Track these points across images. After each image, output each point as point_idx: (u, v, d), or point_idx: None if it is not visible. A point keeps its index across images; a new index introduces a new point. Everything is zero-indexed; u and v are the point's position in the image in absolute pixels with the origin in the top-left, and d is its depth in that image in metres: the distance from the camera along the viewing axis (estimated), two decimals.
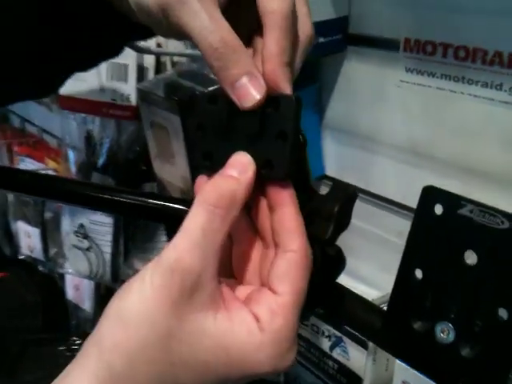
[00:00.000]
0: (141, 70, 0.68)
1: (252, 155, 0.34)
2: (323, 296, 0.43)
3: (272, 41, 0.33)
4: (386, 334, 0.33)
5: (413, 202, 0.63)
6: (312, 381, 0.71)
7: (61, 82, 0.50)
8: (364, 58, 0.63)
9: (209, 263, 0.32)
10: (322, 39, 0.60)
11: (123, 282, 0.81)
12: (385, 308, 0.56)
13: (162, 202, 0.48)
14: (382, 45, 0.60)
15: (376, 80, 0.62)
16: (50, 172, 1.31)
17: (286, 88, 0.33)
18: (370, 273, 0.73)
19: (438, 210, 0.29)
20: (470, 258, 0.27)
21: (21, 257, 1.61)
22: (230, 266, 0.38)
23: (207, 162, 0.36)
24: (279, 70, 0.33)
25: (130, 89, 0.68)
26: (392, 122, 0.62)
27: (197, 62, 0.65)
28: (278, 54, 0.33)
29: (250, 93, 0.33)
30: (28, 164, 1.46)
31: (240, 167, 0.34)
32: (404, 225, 0.65)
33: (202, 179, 0.37)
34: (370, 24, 0.61)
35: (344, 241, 0.73)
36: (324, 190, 0.75)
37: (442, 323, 0.28)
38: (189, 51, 0.62)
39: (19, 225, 1.53)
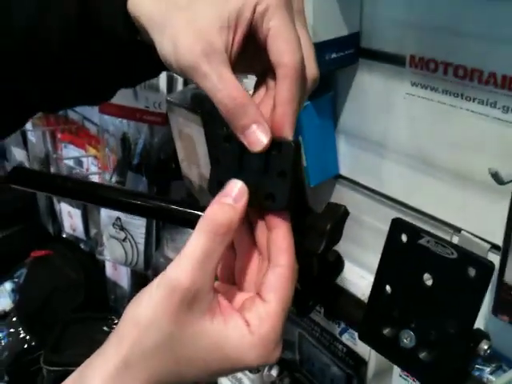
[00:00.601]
0: (170, 81, 0.75)
1: (257, 188, 0.41)
2: (322, 295, 0.50)
3: (283, 91, 0.39)
4: (364, 334, 0.40)
5: (417, 203, 0.69)
6: (324, 361, 0.78)
7: (112, 93, 0.54)
8: (374, 70, 0.67)
9: (206, 280, 0.38)
10: (334, 55, 0.65)
11: (155, 269, 0.89)
12: None
13: (188, 210, 0.55)
14: (390, 60, 0.65)
15: (385, 91, 0.67)
16: (90, 158, 1.40)
17: (289, 133, 0.39)
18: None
19: (404, 238, 0.35)
20: (428, 279, 0.33)
21: (64, 236, 1.72)
22: (232, 274, 0.45)
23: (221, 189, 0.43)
24: (287, 117, 0.39)
25: (160, 97, 0.75)
26: (399, 130, 0.67)
27: None
28: (288, 102, 0.39)
29: (259, 139, 0.39)
30: (70, 150, 1.55)
31: (235, 195, 0.40)
32: None
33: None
34: (379, 40, 0.65)
35: (357, 235, 0.80)
36: (338, 188, 0.80)
37: (405, 331, 0.34)
38: None
39: (62, 206, 1.63)
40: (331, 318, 0.50)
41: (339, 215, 0.44)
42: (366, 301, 0.60)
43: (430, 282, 0.33)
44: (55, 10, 0.45)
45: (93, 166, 1.38)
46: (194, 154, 0.69)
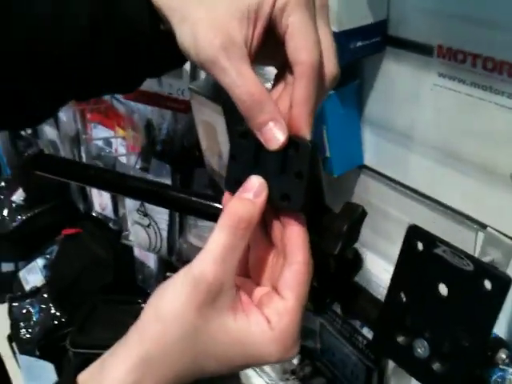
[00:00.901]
0: (194, 68, 0.74)
1: (273, 187, 0.40)
2: (339, 293, 0.49)
3: (300, 89, 0.38)
4: (377, 340, 0.39)
5: (442, 197, 0.67)
6: (345, 352, 0.78)
7: (138, 83, 0.52)
8: (401, 59, 0.65)
9: (229, 275, 0.39)
10: (360, 43, 0.64)
11: (178, 254, 0.90)
12: None
13: (211, 203, 0.54)
14: (418, 49, 0.63)
15: (411, 81, 0.65)
16: (119, 140, 1.41)
17: (306, 133, 0.39)
18: None
19: (420, 246, 0.34)
20: (443, 289, 0.32)
21: (94, 214, 1.75)
22: (246, 267, 0.45)
23: (238, 187, 0.42)
24: (303, 117, 0.39)
25: (184, 84, 0.74)
26: (425, 122, 0.66)
27: None
28: (304, 102, 0.39)
29: (275, 136, 0.38)
30: (99, 130, 1.57)
31: (255, 190, 0.40)
32: (433, 217, 0.69)
33: (228, 195, 0.44)
34: (407, 28, 0.63)
35: (381, 226, 0.79)
36: (363, 178, 0.79)
37: (419, 340, 0.34)
38: None
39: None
40: (348, 315, 0.50)
41: (357, 216, 0.43)
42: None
43: (445, 292, 0.32)
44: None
45: (121, 147, 1.39)
46: (215, 143, 0.69)
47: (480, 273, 0.30)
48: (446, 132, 0.64)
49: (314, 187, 0.42)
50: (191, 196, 0.55)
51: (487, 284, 0.30)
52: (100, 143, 1.55)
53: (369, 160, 0.77)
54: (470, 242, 0.66)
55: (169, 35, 0.43)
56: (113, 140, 1.46)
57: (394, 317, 0.36)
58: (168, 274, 1.12)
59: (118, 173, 0.59)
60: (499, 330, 0.42)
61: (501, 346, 0.36)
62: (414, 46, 0.63)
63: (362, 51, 0.65)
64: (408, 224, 0.74)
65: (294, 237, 0.40)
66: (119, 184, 0.59)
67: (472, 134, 0.61)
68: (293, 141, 0.39)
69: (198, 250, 0.92)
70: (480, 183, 0.62)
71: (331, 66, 0.41)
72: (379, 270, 0.78)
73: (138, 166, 0.84)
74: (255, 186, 0.40)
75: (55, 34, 0.46)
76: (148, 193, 0.57)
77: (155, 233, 0.85)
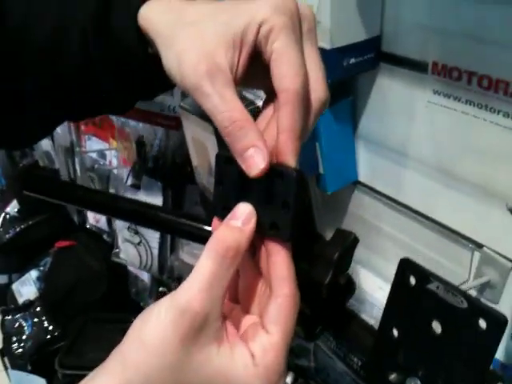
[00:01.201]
0: None
1: (261, 215, 0.39)
2: (331, 320, 0.48)
3: (285, 116, 0.38)
4: (369, 377, 0.38)
5: (437, 215, 0.66)
6: (339, 371, 0.76)
7: (129, 106, 0.53)
8: (395, 75, 0.64)
9: (215, 305, 0.37)
10: (353, 60, 0.62)
11: (170, 272, 0.88)
12: None
13: (202, 226, 0.53)
14: (412, 65, 0.62)
15: (406, 98, 0.64)
16: (113, 151, 1.40)
17: (291, 160, 0.38)
18: None
19: (412, 280, 0.33)
20: (436, 326, 0.31)
21: (88, 226, 1.73)
22: (236, 292, 0.44)
23: (226, 213, 0.41)
24: (288, 144, 0.38)
25: (175, 102, 0.73)
26: (420, 139, 0.64)
27: None
28: (289, 129, 0.38)
29: (256, 163, 0.37)
30: (93, 143, 1.55)
31: (243, 218, 0.39)
32: (428, 235, 0.68)
33: (216, 221, 0.42)
34: (401, 44, 0.62)
35: (375, 243, 0.78)
36: (357, 195, 0.78)
37: (412, 378, 0.32)
38: None
39: None
40: (340, 342, 0.48)
41: (348, 243, 0.42)
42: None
43: (438, 330, 0.31)
44: (73, 23, 0.46)
45: (115, 160, 1.38)
46: (206, 160, 0.67)
47: (475, 311, 0.29)
48: (441, 150, 0.62)
49: (303, 215, 0.40)
50: (182, 218, 0.54)
51: (482, 323, 0.29)
52: (94, 155, 1.54)
53: (363, 176, 0.75)
54: (465, 262, 0.65)
55: (156, 58, 0.43)
56: (107, 152, 1.45)
57: (386, 353, 0.34)
58: (161, 289, 1.10)
59: (108, 194, 0.58)
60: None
61: (497, 381, 0.34)
62: (408, 62, 0.62)
63: (355, 68, 0.63)
64: (403, 241, 0.73)
65: (278, 267, 0.39)
66: (108, 206, 0.57)
67: (467, 152, 0.59)
68: (278, 169, 0.38)
69: (190, 267, 0.90)
70: (476, 202, 0.61)
71: (319, 91, 0.40)
72: (373, 288, 0.77)
73: (128, 183, 0.82)
74: (244, 214, 0.39)
75: (52, 55, 0.47)
76: (138, 215, 0.56)
77: (146, 251, 0.83)
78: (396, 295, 0.34)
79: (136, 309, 1.30)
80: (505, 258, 0.60)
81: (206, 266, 0.37)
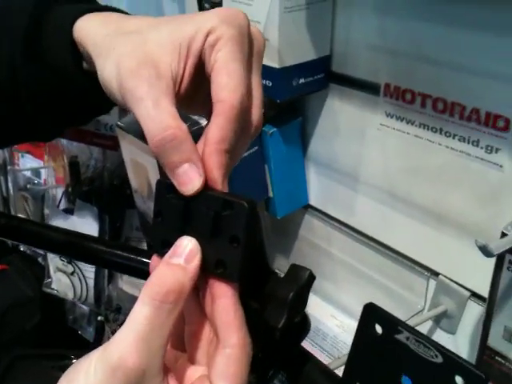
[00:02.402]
0: None
1: (206, 252, 0.34)
2: (285, 362, 0.44)
3: (214, 128, 0.33)
4: None
5: (391, 241, 0.64)
6: None
7: (58, 133, 0.49)
8: (346, 97, 0.62)
9: (154, 359, 0.32)
10: (302, 80, 0.59)
11: (107, 303, 0.81)
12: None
13: (140, 258, 0.48)
14: (364, 87, 0.59)
15: (357, 120, 0.61)
16: (48, 170, 1.32)
17: (217, 175, 0.33)
18: (349, 302, 0.73)
19: (379, 329, 0.29)
20: (407, 382, 0.27)
21: (21, 249, 1.62)
22: (181, 340, 0.39)
23: (166, 249, 0.36)
24: (214, 157, 0.33)
25: (112, 120, 0.68)
26: (371, 163, 0.62)
27: None
28: (217, 141, 0.33)
29: (191, 179, 0.33)
30: (27, 160, 1.46)
31: (186, 254, 0.34)
32: (381, 261, 0.66)
33: (156, 259, 0.37)
34: (352, 65, 0.60)
35: (327, 269, 0.74)
36: (308, 219, 0.75)
37: None
38: None
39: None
40: None
41: (303, 281, 0.38)
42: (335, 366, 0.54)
43: None
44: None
45: (51, 178, 1.30)
46: (146, 184, 0.62)
47: (451, 367, 0.25)
48: (393, 174, 0.60)
49: (254, 251, 0.36)
50: (120, 250, 0.49)
51: (458, 380, 0.25)
52: (28, 173, 1.45)
53: (314, 200, 0.72)
54: (420, 290, 0.63)
55: (91, 76, 0.39)
56: (42, 170, 1.36)
57: None
58: (100, 318, 1.03)
59: (34, 222, 0.52)
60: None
61: None
62: (360, 83, 0.59)
63: (304, 88, 0.60)
64: (355, 268, 0.71)
65: (224, 313, 0.34)
66: (35, 236, 0.51)
67: (420, 177, 0.57)
68: (226, 199, 0.34)
69: (130, 297, 0.84)
70: (430, 228, 0.58)
71: (255, 117, 0.36)
72: (326, 316, 0.73)
73: (61, 207, 0.76)
74: (187, 249, 0.34)
75: None
76: (68, 246, 0.50)
77: (80, 281, 0.77)
78: (360, 345, 0.30)
79: (74, 337, 1.22)
80: (462, 286, 0.58)
81: (142, 314, 0.32)
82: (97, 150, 0.73)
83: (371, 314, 0.29)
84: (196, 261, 0.34)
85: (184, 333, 0.39)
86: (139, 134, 0.60)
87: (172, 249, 0.35)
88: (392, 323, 0.28)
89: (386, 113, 0.57)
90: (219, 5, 0.63)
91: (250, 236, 0.34)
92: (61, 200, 0.78)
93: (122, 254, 0.49)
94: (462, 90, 0.50)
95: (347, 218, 0.68)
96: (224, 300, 0.34)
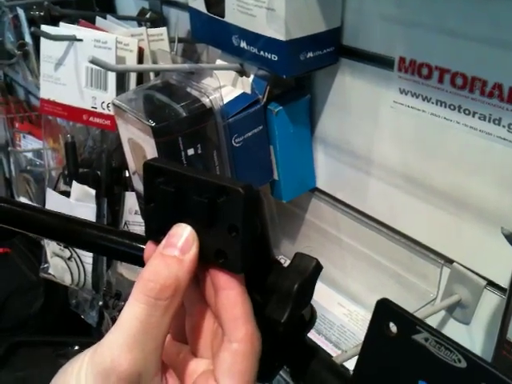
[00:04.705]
0: (121, 77, 0.64)
1: (204, 241, 0.31)
2: (289, 355, 0.41)
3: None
4: None
5: (403, 226, 0.60)
6: None
7: None
8: (357, 72, 0.58)
9: (150, 360, 0.29)
10: (311, 54, 0.55)
11: (106, 289, 0.78)
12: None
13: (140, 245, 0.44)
14: (376, 61, 0.55)
15: (369, 97, 0.57)
16: (49, 151, 1.29)
17: None
18: (357, 290, 0.70)
19: (393, 328, 0.26)
20: None
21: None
22: (183, 331, 0.36)
23: (161, 236, 0.33)
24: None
25: (110, 97, 0.64)
26: (384, 143, 0.58)
27: (179, 74, 0.60)
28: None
29: None
30: (29, 141, 1.44)
31: (182, 244, 0.31)
32: (392, 248, 0.62)
33: (150, 248, 0.34)
34: (364, 38, 0.56)
35: (335, 256, 0.71)
36: (315, 203, 0.71)
37: None
38: (166, 66, 0.58)
39: (22, 200, 1.52)
40: (300, 383, 0.41)
41: (309, 272, 0.35)
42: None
43: None
44: None
45: (51, 159, 1.28)
46: None
47: (476, 373, 0.22)
48: (408, 155, 0.56)
49: (256, 240, 0.33)
50: (116, 236, 0.46)
51: None
52: (30, 155, 1.42)
53: (322, 183, 0.69)
54: (433, 278, 0.59)
55: None
56: (44, 152, 1.34)
57: None
58: (101, 302, 1.01)
59: (28, 206, 0.49)
60: None
61: None
62: (372, 57, 0.55)
63: (313, 63, 0.56)
64: (365, 254, 0.67)
65: (230, 306, 0.31)
66: (27, 221, 0.48)
67: (437, 158, 0.53)
68: (221, 185, 0.30)
69: (130, 283, 0.81)
70: (446, 213, 0.55)
71: None
72: (333, 304, 0.70)
73: (58, 190, 0.72)
74: (182, 239, 0.31)
75: None
76: (63, 232, 0.47)
77: (78, 266, 0.74)
78: (371, 346, 0.27)
79: (77, 321, 1.20)
80: (478, 275, 0.54)
81: (135, 313, 0.29)
82: (94, 131, 0.70)
83: (385, 311, 0.26)
84: (193, 251, 0.31)
85: (186, 324, 0.36)
86: (138, 111, 0.56)
87: (166, 238, 0.31)
88: (409, 322, 0.25)
89: (400, 89, 0.53)
90: None
91: (249, 225, 0.31)
92: (57, 182, 0.75)
93: (119, 240, 0.46)
94: (484, 63, 0.46)
95: (357, 202, 0.65)
96: (228, 292, 0.31)
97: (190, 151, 0.57)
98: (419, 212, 0.57)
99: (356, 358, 0.31)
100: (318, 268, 0.36)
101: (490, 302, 0.54)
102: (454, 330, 0.59)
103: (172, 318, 0.30)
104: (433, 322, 0.60)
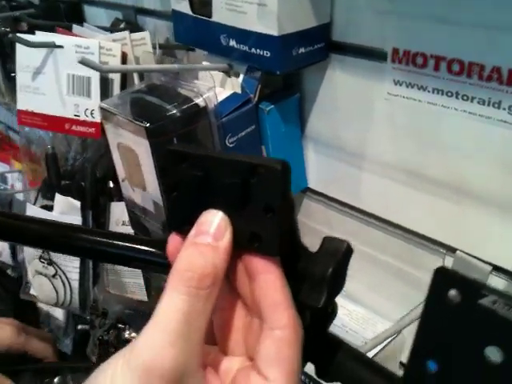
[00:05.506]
0: (105, 83, 0.62)
1: (236, 225, 0.30)
2: (313, 350, 0.39)
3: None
4: None
5: (401, 220, 0.60)
6: None
7: None
8: (348, 67, 0.58)
9: (192, 355, 0.27)
10: (302, 50, 0.55)
11: (92, 307, 0.75)
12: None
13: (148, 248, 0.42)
14: (368, 54, 0.55)
15: (361, 91, 0.57)
16: (16, 174, 1.25)
17: None
18: (356, 289, 0.69)
19: (453, 297, 0.25)
20: (494, 354, 0.23)
21: None
22: (211, 331, 0.34)
23: (187, 226, 0.31)
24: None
25: (94, 104, 0.62)
26: (379, 137, 0.58)
27: (166, 76, 0.59)
28: None
29: None
30: None
31: (214, 231, 0.30)
32: (390, 242, 0.62)
33: (174, 240, 0.32)
34: (354, 32, 0.56)
35: None
36: (307, 203, 0.70)
37: None
38: (156, 66, 0.57)
39: None
40: (326, 378, 0.40)
41: (341, 255, 0.34)
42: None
43: (497, 358, 0.23)
44: None
45: (18, 183, 1.23)
46: (137, 171, 0.57)
47: None
48: (404, 147, 0.56)
49: (288, 222, 0.32)
50: (116, 240, 0.43)
51: None
52: None
53: (313, 183, 0.68)
54: None
55: None
56: (8, 175, 1.29)
57: None
58: (80, 326, 0.96)
59: (12, 215, 0.46)
60: None
61: None
62: (364, 51, 0.56)
63: (305, 59, 0.56)
64: (362, 251, 0.67)
65: (270, 291, 0.30)
66: (14, 230, 0.45)
67: (435, 147, 0.54)
68: (255, 164, 0.29)
69: (118, 299, 0.78)
70: (446, 202, 0.55)
71: None
72: None
73: (38, 205, 0.69)
74: (213, 226, 0.30)
75: None
76: (56, 239, 0.44)
77: (64, 284, 0.70)
78: (431, 317, 0.26)
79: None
80: (483, 261, 0.54)
81: (176, 305, 0.27)
82: (76, 141, 0.67)
83: (444, 279, 0.25)
84: (226, 237, 0.29)
85: (213, 322, 0.34)
86: (128, 112, 0.54)
87: (195, 227, 0.30)
88: (473, 287, 0.24)
89: (395, 81, 0.54)
90: None
91: (286, 202, 0.30)
92: (37, 197, 0.72)
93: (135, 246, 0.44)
94: (481, 48, 0.47)
95: (351, 198, 0.64)
96: (267, 276, 0.30)
97: None
98: (417, 203, 0.57)
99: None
100: (350, 250, 0.35)
101: (499, 286, 0.54)
102: None
103: (212, 309, 0.29)
104: None
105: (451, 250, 0.57)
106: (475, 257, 0.55)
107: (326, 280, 0.33)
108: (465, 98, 0.49)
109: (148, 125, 0.52)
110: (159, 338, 0.26)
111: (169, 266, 0.30)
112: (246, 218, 0.30)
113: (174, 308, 0.27)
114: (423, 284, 0.60)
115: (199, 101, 0.55)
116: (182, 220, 0.32)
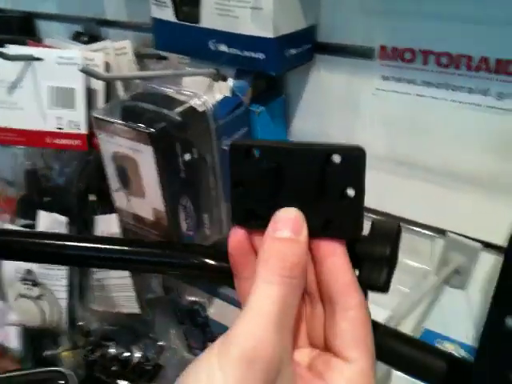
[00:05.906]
0: (89, 94, 0.61)
1: (306, 214, 0.31)
2: None
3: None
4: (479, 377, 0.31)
5: (392, 208, 0.63)
6: None
7: None
8: (334, 66, 0.60)
9: (287, 344, 0.28)
10: (294, 51, 0.57)
11: (80, 326, 0.72)
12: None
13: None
14: (354, 53, 0.58)
15: (348, 88, 0.60)
16: None
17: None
18: None
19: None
20: None
21: None
22: None
23: (252, 220, 0.32)
24: None
25: (79, 115, 0.60)
26: (368, 132, 0.61)
27: (152, 82, 0.59)
28: None
29: None
30: None
31: (292, 226, 0.30)
32: None
33: (237, 233, 0.33)
34: (340, 32, 0.58)
35: None
36: None
37: None
38: (142, 73, 0.56)
39: None
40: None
41: (395, 235, 0.35)
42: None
43: None
44: None
45: None
46: (137, 179, 0.56)
47: None
48: (394, 139, 0.59)
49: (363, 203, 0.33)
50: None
51: None
52: None
53: None
54: (426, 252, 0.62)
55: None
56: None
57: (499, 351, 0.28)
58: (46, 353, 0.91)
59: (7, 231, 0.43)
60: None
61: None
62: (350, 50, 0.58)
63: (294, 60, 0.58)
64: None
65: (340, 272, 0.31)
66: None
67: (426, 137, 0.57)
68: (332, 150, 0.30)
69: (101, 316, 0.75)
70: (436, 186, 0.58)
71: None
72: None
73: (19, 224, 0.65)
74: (290, 222, 0.30)
75: None
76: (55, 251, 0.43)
77: (50, 304, 0.67)
78: (489, 344, 0.28)
79: None
80: (472, 239, 0.58)
81: (272, 294, 0.28)
82: (57, 155, 0.65)
83: (502, 304, 0.27)
84: (304, 231, 0.31)
85: None
86: (126, 120, 0.54)
87: (273, 223, 0.31)
88: None
89: (383, 76, 0.57)
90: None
91: (364, 186, 0.31)
92: (15, 217, 0.68)
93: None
94: (468, 41, 0.51)
95: None
96: (335, 258, 0.31)
97: (187, 156, 0.55)
98: (405, 190, 0.60)
99: None
100: (400, 230, 0.37)
101: (485, 264, 0.59)
102: (449, 296, 0.63)
103: (300, 298, 0.30)
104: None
105: (440, 232, 0.60)
106: (466, 236, 0.59)
107: (385, 260, 0.34)
108: (453, 88, 0.53)
109: (151, 130, 0.52)
110: (259, 328, 0.26)
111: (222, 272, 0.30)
112: (318, 205, 0.31)
113: (269, 297, 0.28)
114: (415, 267, 0.63)
115: (196, 105, 0.56)
116: (247, 214, 0.32)
